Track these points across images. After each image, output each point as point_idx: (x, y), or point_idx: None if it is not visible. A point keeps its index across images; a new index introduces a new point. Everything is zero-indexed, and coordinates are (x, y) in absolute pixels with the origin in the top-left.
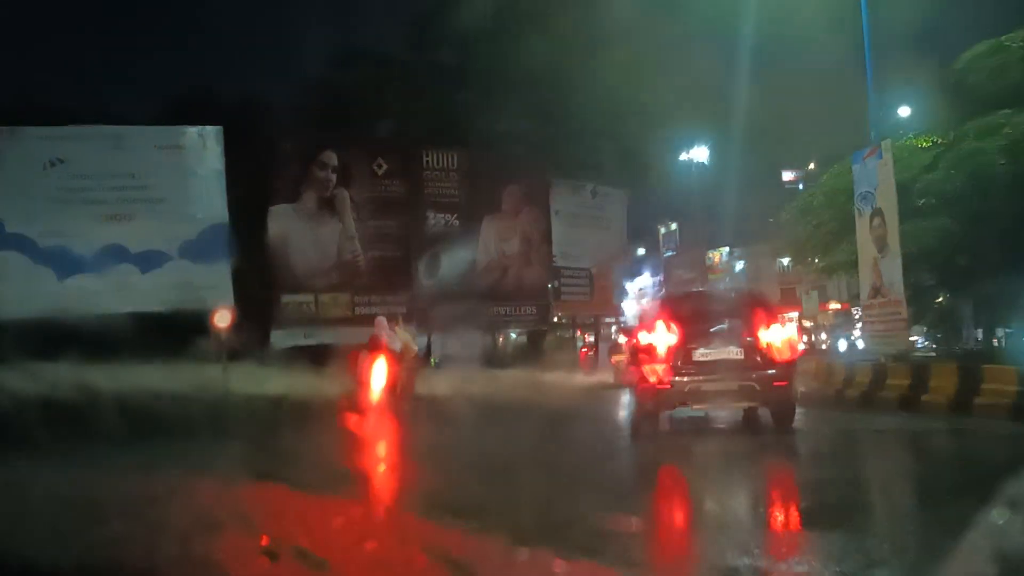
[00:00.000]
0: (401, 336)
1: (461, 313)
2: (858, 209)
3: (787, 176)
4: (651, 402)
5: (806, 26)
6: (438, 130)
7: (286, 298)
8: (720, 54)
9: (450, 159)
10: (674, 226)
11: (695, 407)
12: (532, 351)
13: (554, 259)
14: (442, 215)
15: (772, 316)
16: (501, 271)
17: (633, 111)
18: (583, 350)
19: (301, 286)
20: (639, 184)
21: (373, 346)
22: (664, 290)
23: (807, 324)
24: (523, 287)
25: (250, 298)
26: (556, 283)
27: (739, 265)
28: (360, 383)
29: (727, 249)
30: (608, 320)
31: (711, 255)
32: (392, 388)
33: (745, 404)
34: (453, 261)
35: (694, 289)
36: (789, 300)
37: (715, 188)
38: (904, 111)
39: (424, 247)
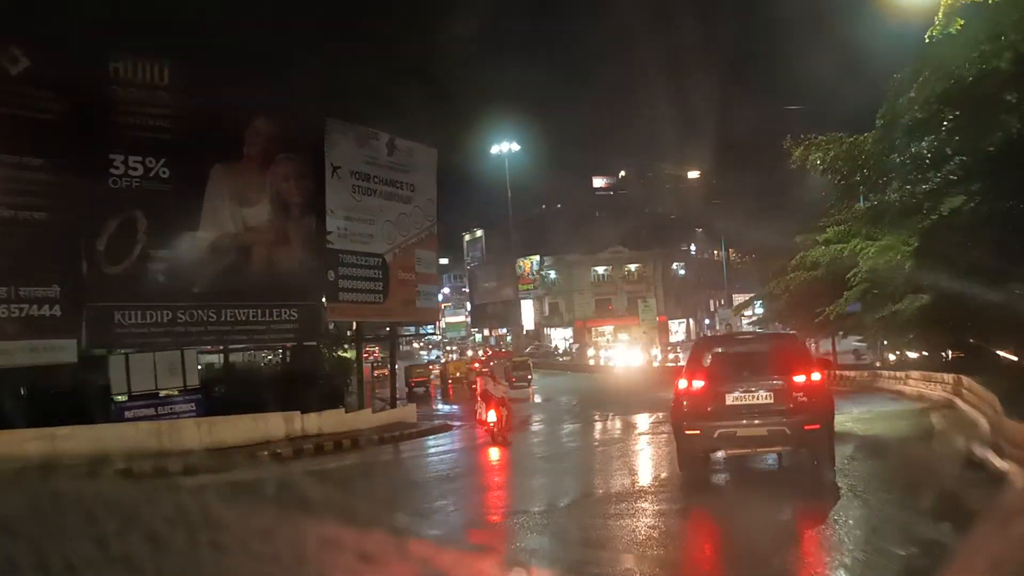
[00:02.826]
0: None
1: (166, 322)
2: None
3: (599, 183)
4: (688, 448)
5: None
6: (140, 24)
7: None
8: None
9: (157, 72)
10: (480, 233)
11: (728, 452)
12: (291, 381)
13: (329, 238)
14: (139, 159)
15: (803, 359)
16: (240, 254)
17: (446, 54)
18: (379, 371)
19: None
20: (449, 169)
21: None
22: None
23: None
24: (277, 280)
25: None
26: (332, 274)
27: (552, 274)
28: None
29: (538, 258)
30: (413, 332)
31: (521, 263)
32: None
33: (777, 448)
34: (157, 235)
35: (723, 333)
36: (603, 311)
37: (525, 193)
38: None
39: (105, 210)
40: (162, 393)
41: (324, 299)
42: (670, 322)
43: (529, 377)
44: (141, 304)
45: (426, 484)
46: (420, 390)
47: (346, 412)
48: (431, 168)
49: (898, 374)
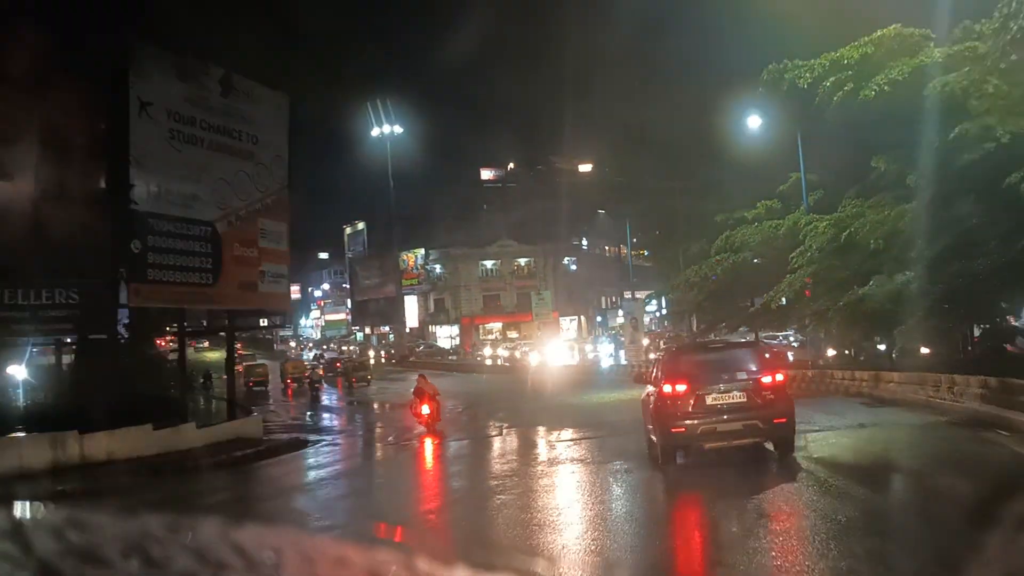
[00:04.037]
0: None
1: None
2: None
3: (487, 175)
4: (673, 444)
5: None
6: None
7: None
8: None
9: None
10: (361, 225)
11: (708, 446)
12: (74, 389)
13: (133, 197)
14: None
15: (767, 363)
16: None
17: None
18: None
19: None
20: (330, 156)
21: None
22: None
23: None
24: (48, 250)
25: None
26: (137, 245)
27: (437, 269)
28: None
29: (422, 251)
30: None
31: (404, 257)
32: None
33: (750, 440)
34: None
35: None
36: (492, 307)
37: (410, 183)
38: None
39: None
40: None
41: (125, 278)
42: (561, 319)
43: (369, 378)
44: None
45: None
46: (260, 388)
47: (155, 428)
48: (281, 118)
49: (860, 374)
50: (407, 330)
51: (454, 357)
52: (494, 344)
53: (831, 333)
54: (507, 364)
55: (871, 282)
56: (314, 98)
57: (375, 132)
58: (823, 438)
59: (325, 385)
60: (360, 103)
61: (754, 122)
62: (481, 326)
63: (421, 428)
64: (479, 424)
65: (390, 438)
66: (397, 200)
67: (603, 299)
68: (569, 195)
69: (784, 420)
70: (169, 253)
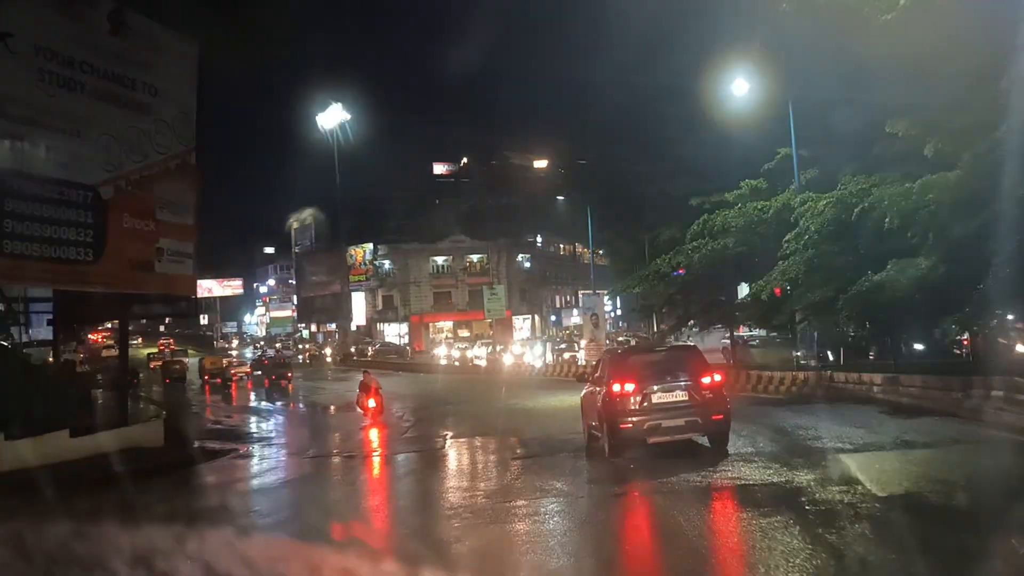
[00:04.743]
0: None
1: None
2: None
3: (439, 169)
4: (621, 438)
5: None
6: None
7: None
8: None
9: None
10: (309, 219)
11: (652, 441)
12: None
13: None
14: None
15: (705, 365)
16: None
17: None
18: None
19: None
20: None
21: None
22: (300, 295)
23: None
24: None
25: None
26: None
27: (386, 264)
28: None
29: (371, 246)
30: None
31: (352, 252)
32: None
33: (690, 435)
34: None
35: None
36: (443, 305)
37: (359, 176)
38: None
39: None
40: None
41: None
42: (515, 318)
43: (288, 375)
44: None
45: None
46: (179, 384)
47: (7, 438)
48: (189, 69)
49: (871, 377)
50: (355, 328)
51: (395, 356)
52: (447, 343)
53: (837, 328)
54: (458, 363)
55: (888, 266)
56: (265, 90)
57: (321, 119)
58: (869, 463)
59: (251, 383)
60: (309, 92)
61: (740, 87)
62: (431, 324)
63: (344, 438)
64: (426, 432)
65: (310, 451)
66: (347, 194)
67: (558, 298)
68: (523, 191)
69: (721, 417)
70: (35, 222)
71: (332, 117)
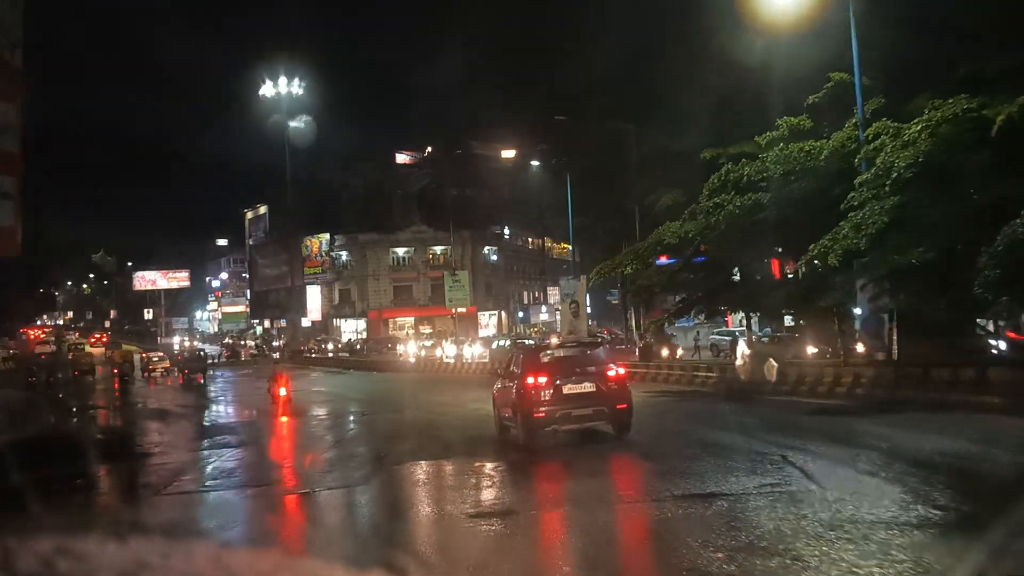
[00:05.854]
0: None
1: None
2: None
3: (402, 159)
4: (535, 425)
5: None
6: None
7: None
8: None
9: None
10: (263, 210)
11: (563, 428)
12: None
13: None
14: None
15: (610, 360)
16: None
17: None
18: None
19: None
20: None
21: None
22: (254, 289)
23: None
24: None
25: None
26: None
27: (343, 256)
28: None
29: (327, 236)
30: None
31: (308, 242)
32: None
33: (597, 423)
34: None
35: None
36: (403, 300)
37: (315, 163)
38: None
39: None
40: None
41: None
42: (480, 314)
43: (201, 369)
44: None
45: None
46: (88, 377)
47: None
48: None
49: (967, 373)
50: (309, 324)
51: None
52: (406, 340)
53: (940, 302)
54: (415, 361)
55: None
56: (221, 73)
57: (267, 91)
58: None
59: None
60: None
61: None
62: (392, 320)
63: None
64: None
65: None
66: (303, 182)
67: (525, 294)
68: (490, 181)
69: (625, 406)
70: None
71: (281, 88)
